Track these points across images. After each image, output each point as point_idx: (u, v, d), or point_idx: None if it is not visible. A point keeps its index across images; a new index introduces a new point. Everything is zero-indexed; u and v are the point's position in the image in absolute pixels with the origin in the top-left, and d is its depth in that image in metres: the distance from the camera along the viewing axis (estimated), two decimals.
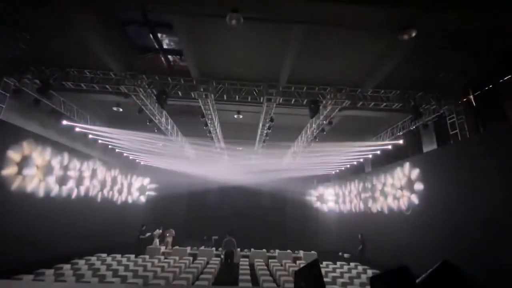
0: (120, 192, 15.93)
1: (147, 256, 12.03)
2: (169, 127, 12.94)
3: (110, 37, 8.20)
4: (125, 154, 15.92)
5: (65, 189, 11.07)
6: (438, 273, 1.84)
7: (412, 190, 10.81)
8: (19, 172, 8.84)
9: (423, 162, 10.59)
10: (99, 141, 13.74)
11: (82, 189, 12.25)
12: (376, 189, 13.91)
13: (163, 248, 13.93)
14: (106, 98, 11.31)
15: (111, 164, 15.06)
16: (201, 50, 8.35)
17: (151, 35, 8.62)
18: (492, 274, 6.64)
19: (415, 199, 10.61)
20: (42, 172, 9.85)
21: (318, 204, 19.78)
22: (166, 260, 11.64)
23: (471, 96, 9.24)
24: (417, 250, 10.18)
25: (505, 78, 8.40)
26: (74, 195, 11.64)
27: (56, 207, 10.44)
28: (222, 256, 11.29)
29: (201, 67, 9.19)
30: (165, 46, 9.08)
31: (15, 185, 8.66)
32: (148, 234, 13.74)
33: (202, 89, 9.42)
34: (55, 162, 10.52)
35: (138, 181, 18.22)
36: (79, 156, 12.07)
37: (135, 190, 17.87)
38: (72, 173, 11.52)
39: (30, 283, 7.26)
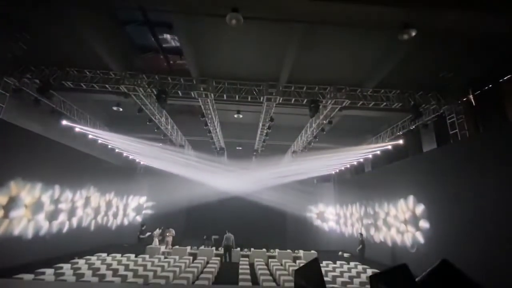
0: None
1: (147, 256, 12.03)
2: (169, 126, 12.95)
3: (110, 36, 8.21)
4: (124, 154, 15.90)
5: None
6: (437, 272, 1.84)
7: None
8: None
9: (423, 164, 10.59)
10: (99, 141, 13.70)
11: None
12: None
13: (163, 248, 13.93)
14: (106, 98, 11.32)
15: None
16: (201, 50, 8.35)
17: (151, 35, 8.62)
18: (492, 274, 6.65)
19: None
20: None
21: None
22: (166, 259, 11.64)
23: (471, 96, 9.25)
24: (417, 250, 10.20)
25: (505, 78, 8.41)
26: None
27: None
28: (222, 251, 12.38)
29: (201, 67, 9.20)
30: (164, 46, 9.08)
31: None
32: (148, 233, 13.74)
33: (202, 89, 9.43)
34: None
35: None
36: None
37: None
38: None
39: (30, 282, 7.26)
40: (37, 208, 9.83)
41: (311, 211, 19.41)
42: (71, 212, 11.78)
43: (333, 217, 19.29)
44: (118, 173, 16.24)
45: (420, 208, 10.22)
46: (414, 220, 10.52)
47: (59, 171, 10.96)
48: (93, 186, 13.40)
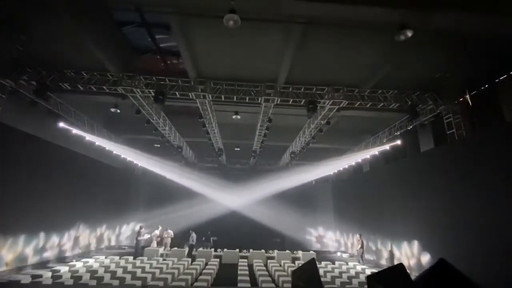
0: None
1: (145, 258, 11.99)
2: (166, 128, 12.92)
3: (108, 38, 8.19)
4: (122, 157, 15.77)
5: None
6: (435, 271, 1.84)
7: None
8: None
9: (422, 164, 10.62)
10: (96, 143, 13.57)
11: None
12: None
13: (161, 250, 13.87)
14: (104, 100, 11.28)
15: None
16: (198, 51, 8.36)
17: (148, 36, 8.60)
18: (491, 274, 6.66)
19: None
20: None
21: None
22: (164, 261, 11.59)
23: (468, 96, 9.29)
24: (414, 249, 10.22)
25: (501, 78, 8.46)
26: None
27: None
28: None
29: (198, 68, 9.20)
30: (162, 47, 9.06)
31: None
32: (146, 235, 13.67)
33: (199, 90, 9.41)
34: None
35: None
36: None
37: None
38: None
39: (28, 285, 7.22)
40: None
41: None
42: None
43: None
44: (116, 179, 15.95)
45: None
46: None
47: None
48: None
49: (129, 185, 17.98)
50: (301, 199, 18.80)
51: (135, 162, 17.51)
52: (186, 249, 13.84)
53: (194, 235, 14.20)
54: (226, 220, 17.50)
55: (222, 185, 18.05)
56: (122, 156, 15.38)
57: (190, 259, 12.04)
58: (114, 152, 14.58)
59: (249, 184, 17.87)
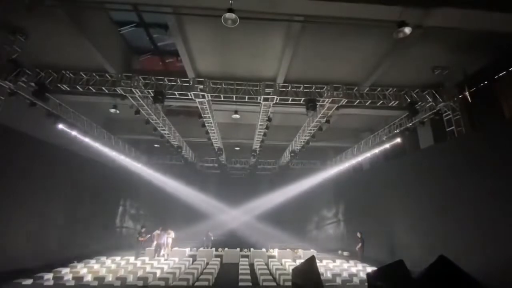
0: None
1: (146, 258, 12.00)
2: (166, 128, 12.90)
3: (106, 38, 8.19)
4: (121, 159, 15.65)
5: None
6: (435, 268, 1.85)
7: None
8: None
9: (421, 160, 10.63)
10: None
11: None
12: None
13: (162, 250, 13.86)
14: (103, 100, 11.27)
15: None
16: (197, 51, 8.35)
17: (146, 36, 8.61)
18: (491, 271, 6.66)
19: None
20: None
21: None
22: (165, 261, 11.61)
23: (467, 93, 9.28)
24: (414, 246, 10.23)
25: (500, 75, 8.45)
26: None
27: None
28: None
29: (197, 67, 9.19)
30: (160, 46, 9.07)
31: None
32: (147, 236, 13.67)
33: (198, 90, 9.40)
34: None
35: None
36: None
37: None
38: None
39: (29, 287, 7.23)
40: None
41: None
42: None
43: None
44: (114, 186, 15.83)
45: None
46: None
47: None
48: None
49: (128, 195, 17.81)
50: (302, 206, 18.85)
51: (133, 167, 17.46)
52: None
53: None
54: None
55: (222, 196, 18.61)
56: (121, 160, 15.30)
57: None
58: (114, 155, 14.50)
59: (248, 196, 18.31)
